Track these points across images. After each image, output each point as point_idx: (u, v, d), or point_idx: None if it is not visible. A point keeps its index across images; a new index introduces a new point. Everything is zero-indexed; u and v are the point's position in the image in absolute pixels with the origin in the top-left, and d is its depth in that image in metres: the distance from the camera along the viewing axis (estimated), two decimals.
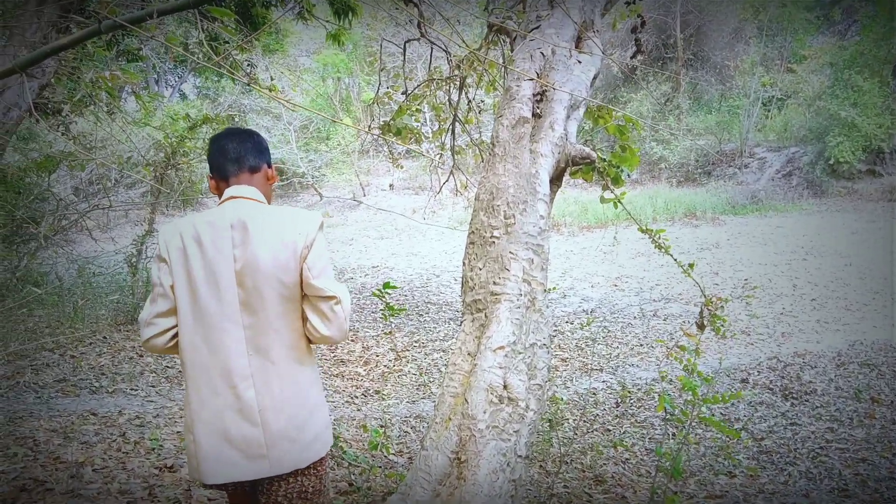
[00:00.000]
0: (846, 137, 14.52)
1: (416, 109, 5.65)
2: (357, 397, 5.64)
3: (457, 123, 5.75)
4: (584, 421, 4.97)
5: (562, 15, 3.08)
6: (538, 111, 2.82)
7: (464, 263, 2.75)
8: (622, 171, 3.00)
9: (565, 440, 4.31)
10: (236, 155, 1.85)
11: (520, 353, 2.40)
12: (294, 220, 1.76)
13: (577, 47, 3.09)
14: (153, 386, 5.07)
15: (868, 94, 14.46)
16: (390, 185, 12.18)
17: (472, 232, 2.78)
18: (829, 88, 16.15)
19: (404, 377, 6.03)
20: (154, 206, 9.39)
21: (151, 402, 4.65)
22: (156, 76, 24.69)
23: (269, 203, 1.90)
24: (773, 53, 19.18)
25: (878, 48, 15.76)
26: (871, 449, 4.34)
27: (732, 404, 5.18)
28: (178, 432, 3.86)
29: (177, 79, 25.75)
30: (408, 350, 6.87)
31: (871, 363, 5.87)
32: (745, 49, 19.48)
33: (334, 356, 6.87)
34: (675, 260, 2.57)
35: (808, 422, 4.85)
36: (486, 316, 2.50)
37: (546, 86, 2.71)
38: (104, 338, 6.10)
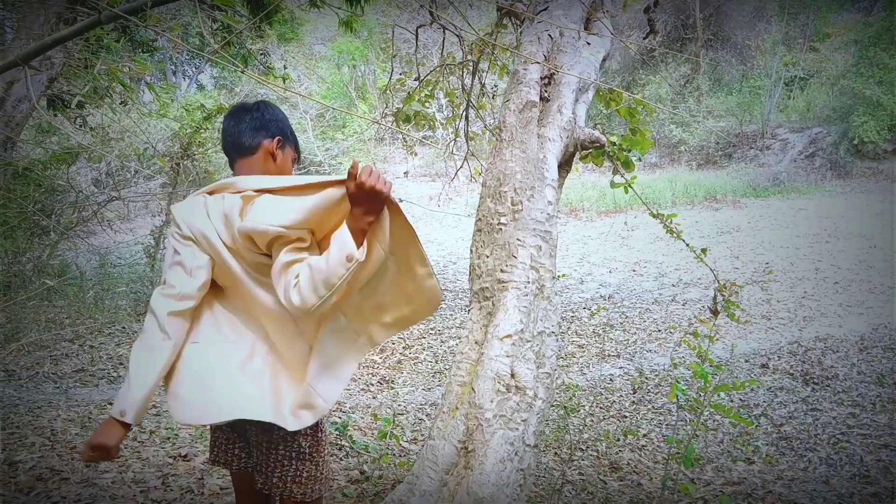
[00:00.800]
0: (871, 116, 14.18)
1: (428, 95, 5.60)
2: (372, 385, 5.65)
3: (470, 109, 5.70)
4: (601, 407, 4.93)
5: None
6: (546, 95, 2.77)
7: (471, 251, 2.72)
8: (633, 154, 2.94)
9: (581, 427, 4.28)
10: (232, 139, 1.81)
11: (528, 341, 2.37)
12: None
13: (586, 29, 3.02)
14: None
15: (894, 72, 14.10)
16: (405, 173, 12.11)
17: (479, 219, 2.74)
18: (854, 66, 15.77)
19: (420, 364, 6.03)
20: (171, 196, 9.47)
21: None
22: (173, 67, 24.83)
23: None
24: (795, 32, 18.72)
25: None
26: (894, 435, 4.26)
27: (752, 390, 5.11)
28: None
29: (194, 69, 25.87)
30: (423, 337, 6.87)
31: (895, 347, 5.76)
32: (767, 28, 19.05)
33: None
34: (688, 245, 2.51)
35: (829, 407, 4.77)
36: (493, 304, 2.47)
37: (553, 69, 2.65)
38: (123, 328, 6.17)
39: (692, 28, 18.80)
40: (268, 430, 1.76)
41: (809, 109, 17.61)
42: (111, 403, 4.14)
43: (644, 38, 3.90)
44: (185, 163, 9.27)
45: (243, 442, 1.86)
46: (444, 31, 5.47)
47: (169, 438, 3.57)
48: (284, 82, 10.68)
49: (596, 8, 3.07)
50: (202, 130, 8.74)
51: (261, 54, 10.17)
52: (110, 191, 9.03)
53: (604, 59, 3.00)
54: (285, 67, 11.57)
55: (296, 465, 1.80)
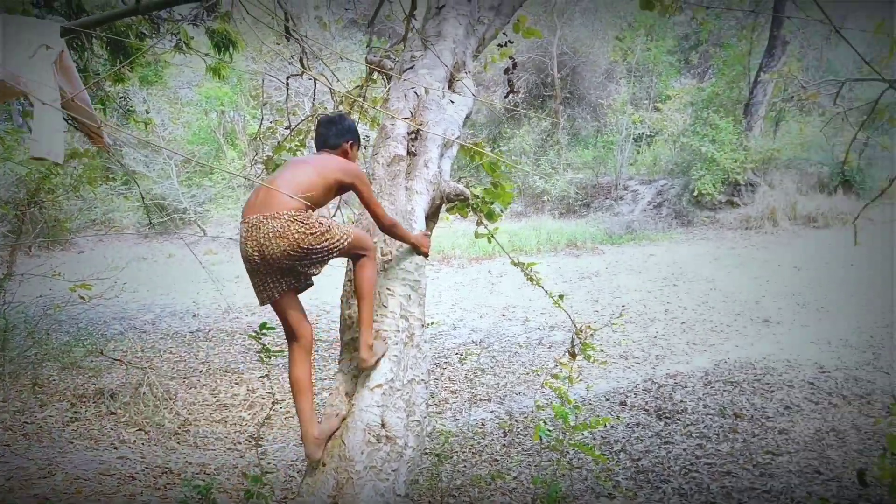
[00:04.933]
0: (707, 171, 15.73)
1: (299, 144, 5.60)
2: (240, 444, 5.40)
3: None
4: (473, 452, 5.01)
5: (435, 55, 3.17)
6: (413, 149, 2.88)
7: (341, 301, 2.73)
8: (497, 206, 3.11)
9: (453, 473, 4.32)
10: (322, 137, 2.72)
11: (398, 390, 2.40)
12: None
13: (450, 87, 3.19)
14: (7, 445, 4.62)
15: (724, 132, 15.78)
16: None
17: (350, 269, 2.77)
18: (691, 126, 17.49)
19: (291, 420, 5.84)
20: (14, 247, 8.68)
21: (6, 462, 4.24)
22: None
23: None
24: (641, 93, 20.58)
25: (730, 90, 17.32)
26: (734, 462, 4.65)
27: (612, 427, 5.40)
28: (47, 499, 3.53)
29: None
30: None
31: (733, 381, 6.32)
32: (617, 89, 20.78)
33: (216, 401, 6.55)
34: (547, 292, 2.67)
35: (680, 440, 5.13)
36: None
37: (417, 126, 2.77)
38: None
39: (551, 87, 20.13)
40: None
41: (656, 163, 19.26)
42: None
43: (505, 97, 4.16)
44: (32, 210, 8.58)
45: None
46: (315, 82, 5.52)
47: None
48: (146, 127, 10.23)
49: (459, 69, 3.25)
50: (52, 176, 8.13)
51: (120, 97, 9.72)
52: None
53: (467, 117, 3.17)
54: (147, 112, 11.10)
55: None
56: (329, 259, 2.45)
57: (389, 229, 2.59)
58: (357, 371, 2.43)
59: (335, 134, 2.68)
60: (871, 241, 12.06)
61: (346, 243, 2.42)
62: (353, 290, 2.53)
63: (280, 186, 2.40)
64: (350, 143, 2.71)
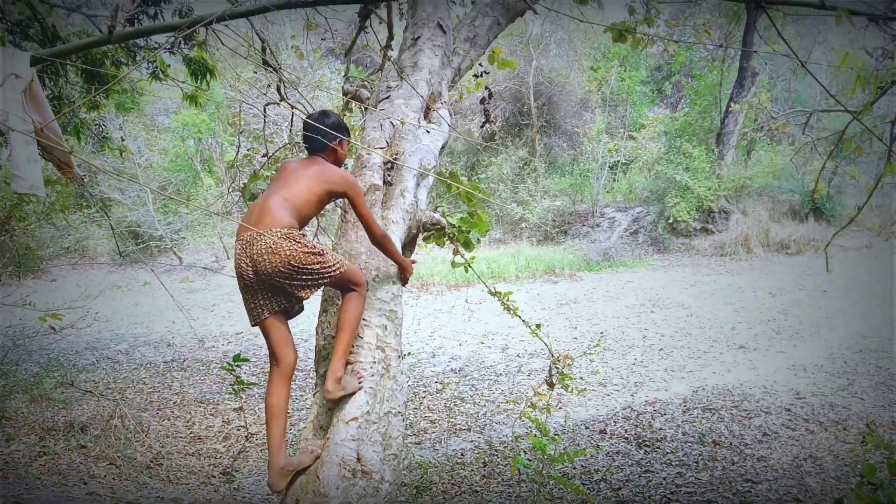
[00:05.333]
0: (682, 198, 15.96)
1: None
2: (214, 477, 5.28)
3: None
4: (452, 484, 4.93)
5: (410, 86, 3.19)
6: (389, 179, 2.88)
7: (316, 332, 2.70)
8: (473, 235, 3.11)
9: None
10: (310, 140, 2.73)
11: (374, 423, 2.36)
12: None
13: (425, 118, 3.20)
14: None
15: (697, 160, 16.06)
16: None
17: (325, 300, 2.75)
18: (665, 154, 17.79)
19: (266, 452, 5.73)
20: None
21: None
22: None
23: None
24: (616, 122, 20.94)
25: (702, 119, 17.68)
26: (714, 490, 4.64)
27: (592, 455, 5.37)
28: None
29: None
30: None
31: (712, 408, 6.33)
32: (592, 118, 21.11)
33: (190, 433, 6.42)
34: (524, 321, 2.66)
35: (660, 468, 5.11)
36: None
37: (393, 157, 2.78)
38: None
39: (528, 115, 20.39)
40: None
41: (631, 191, 19.51)
42: None
43: (481, 127, 4.20)
44: (3, 238, 8.42)
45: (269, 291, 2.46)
46: (292, 110, 5.52)
47: None
48: (122, 154, 10.14)
49: (434, 99, 3.27)
50: (24, 203, 8.01)
51: (96, 124, 9.62)
52: None
53: (443, 146, 3.19)
54: (123, 139, 11.01)
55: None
56: (320, 284, 2.46)
57: (380, 241, 2.63)
58: (332, 403, 2.39)
59: (323, 135, 2.68)
60: (843, 267, 12.28)
61: (338, 272, 2.45)
62: (337, 321, 2.52)
63: (273, 204, 2.45)
64: (339, 141, 2.74)
